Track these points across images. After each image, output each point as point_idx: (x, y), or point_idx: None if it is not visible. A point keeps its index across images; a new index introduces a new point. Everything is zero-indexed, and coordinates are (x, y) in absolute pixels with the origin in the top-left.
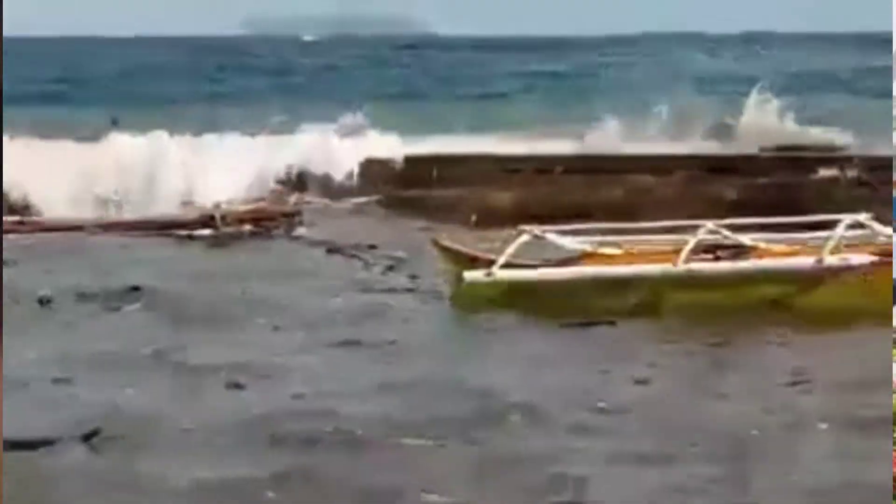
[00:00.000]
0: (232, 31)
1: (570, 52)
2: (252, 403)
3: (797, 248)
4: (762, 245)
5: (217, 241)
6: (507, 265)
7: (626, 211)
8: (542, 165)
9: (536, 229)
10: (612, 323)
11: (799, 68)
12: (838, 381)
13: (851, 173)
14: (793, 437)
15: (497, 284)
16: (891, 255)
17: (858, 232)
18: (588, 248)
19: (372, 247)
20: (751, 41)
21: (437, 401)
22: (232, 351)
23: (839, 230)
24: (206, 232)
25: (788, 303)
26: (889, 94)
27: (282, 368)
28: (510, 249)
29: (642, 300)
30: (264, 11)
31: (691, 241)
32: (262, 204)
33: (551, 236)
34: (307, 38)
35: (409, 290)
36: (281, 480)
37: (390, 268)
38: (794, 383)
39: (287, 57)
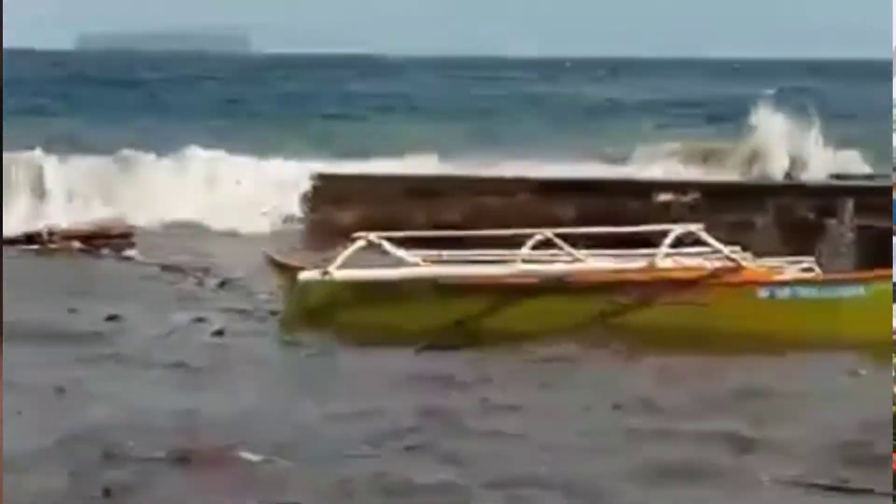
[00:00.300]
0: (66, 45)
1: (432, 72)
2: (75, 423)
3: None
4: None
5: (44, 258)
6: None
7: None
8: (388, 185)
9: (373, 236)
10: (455, 348)
11: (668, 96)
12: (668, 403)
13: (685, 199)
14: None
15: (331, 288)
16: (722, 274)
17: (696, 250)
18: (420, 261)
19: (207, 268)
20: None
21: (260, 423)
22: (54, 369)
23: (670, 238)
24: (34, 247)
25: (621, 320)
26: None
27: (96, 387)
28: (346, 253)
29: (479, 312)
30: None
31: (527, 244)
32: (94, 222)
33: (387, 245)
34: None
35: (242, 311)
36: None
37: (222, 285)
38: (618, 406)
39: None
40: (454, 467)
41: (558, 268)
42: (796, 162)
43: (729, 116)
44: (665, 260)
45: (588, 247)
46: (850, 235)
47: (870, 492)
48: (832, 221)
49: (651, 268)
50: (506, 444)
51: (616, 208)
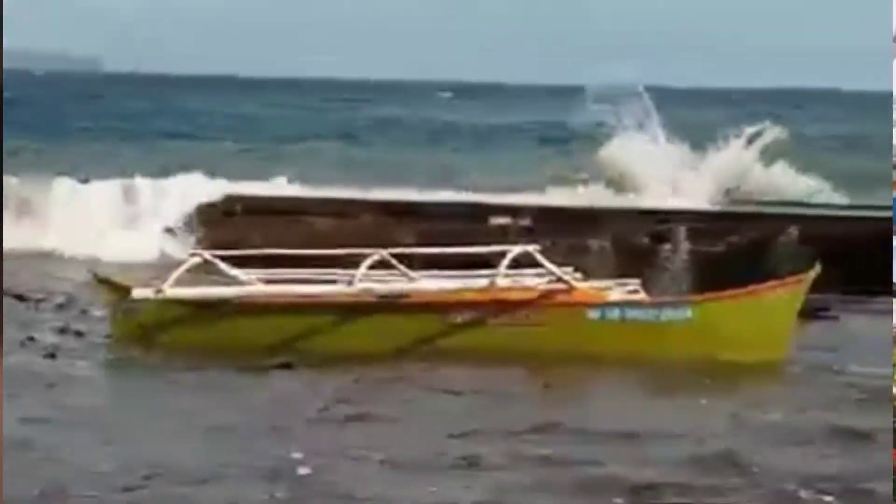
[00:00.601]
0: None
1: (270, 92)
2: None
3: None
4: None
5: None
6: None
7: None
8: (226, 207)
9: (206, 254)
10: (287, 366)
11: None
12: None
13: (523, 222)
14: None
15: (163, 307)
16: (554, 294)
17: (532, 272)
18: (255, 280)
19: (50, 292)
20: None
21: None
22: None
23: (508, 259)
24: None
25: (455, 340)
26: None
27: None
28: (179, 270)
29: (313, 330)
30: None
31: (365, 262)
32: None
33: (221, 264)
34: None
35: (79, 334)
36: None
37: (60, 307)
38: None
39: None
40: (288, 489)
41: (393, 287)
42: (664, 186)
43: (568, 139)
44: (504, 280)
45: (427, 268)
46: (683, 260)
47: None
48: (666, 246)
49: (490, 288)
50: (343, 464)
51: (454, 231)
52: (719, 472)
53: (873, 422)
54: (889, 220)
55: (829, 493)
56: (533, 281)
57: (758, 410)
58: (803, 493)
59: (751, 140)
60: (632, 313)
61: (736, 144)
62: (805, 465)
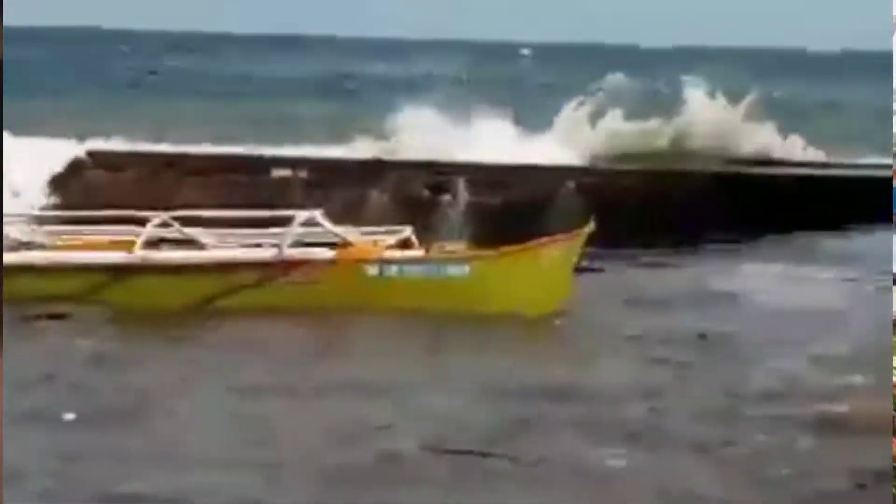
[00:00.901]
0: None
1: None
2: None
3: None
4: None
5: None
6: None
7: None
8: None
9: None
10: (61, 316)
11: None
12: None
13: (303, 174)
14: None
15: None
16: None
17: (316, 230)
18: (21, 236)
19: None
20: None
21: None
22: None
23: (295, 224)
24: None
25: (235, 300)
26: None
27: None
28: None
29: (91, 288)
30: None
31: (146, 229)
32: None
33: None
34: None
35: None
36: None
37: None
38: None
39: None
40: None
41: (172, 255)
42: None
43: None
44: (292, 250)
45: (212, 221)
46: (462, 212)
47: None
48: (445, 198)
49: (279, 255)
50: (124, 421)
51: (234, 184)
52: (500, 428)
53: (653, 377)
54: (675, 173)
55: (618, 456)
56: (315, 239)
57: (535, 366)
58: (587, 453)
59: (582, 102)
60: (410, 269)
61: (569, 107)
62: (587, 421)
